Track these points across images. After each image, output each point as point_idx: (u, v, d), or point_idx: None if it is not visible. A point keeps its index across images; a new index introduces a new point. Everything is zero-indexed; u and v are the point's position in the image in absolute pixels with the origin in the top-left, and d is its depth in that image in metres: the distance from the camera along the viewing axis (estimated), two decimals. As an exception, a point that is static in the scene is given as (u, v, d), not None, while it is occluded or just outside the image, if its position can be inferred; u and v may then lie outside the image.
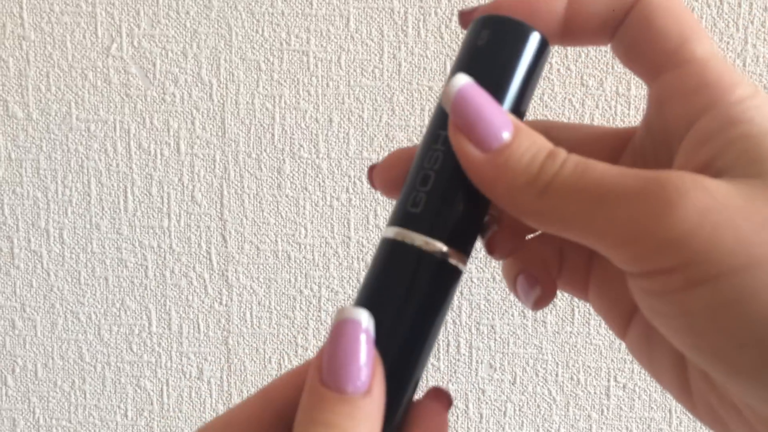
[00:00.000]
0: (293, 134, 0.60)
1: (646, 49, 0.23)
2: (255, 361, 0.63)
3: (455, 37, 0.59)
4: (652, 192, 0.19)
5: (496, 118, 0.22)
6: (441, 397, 0.24)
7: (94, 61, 0.60)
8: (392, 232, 0.24)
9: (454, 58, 0.59)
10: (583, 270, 0.26)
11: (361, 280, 0.62)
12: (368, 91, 0.60)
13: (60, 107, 0.60)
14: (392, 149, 0.61)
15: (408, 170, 0.25)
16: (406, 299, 0.24)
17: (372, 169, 0.27)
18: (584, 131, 0.26)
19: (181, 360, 0.64)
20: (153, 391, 0.64)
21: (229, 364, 0.64)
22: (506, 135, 0.22)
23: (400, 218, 0.24)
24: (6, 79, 0.60)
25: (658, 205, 0.19)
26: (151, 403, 0.64)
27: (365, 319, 0.22)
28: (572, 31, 0.24)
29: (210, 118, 0.60)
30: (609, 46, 0.25)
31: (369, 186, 0.61)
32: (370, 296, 0.24)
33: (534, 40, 0.24)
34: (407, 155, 0.25)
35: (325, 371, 0.21)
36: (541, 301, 0.26)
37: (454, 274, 0.24)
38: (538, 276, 0.26)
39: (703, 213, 0.19)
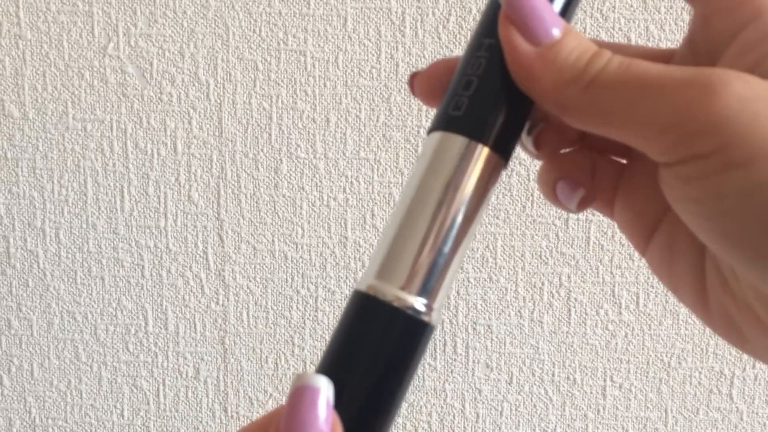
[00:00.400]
0: (290, 134, 0.60)
1: None
2: (252, 361, 0.63)
3: (452, 38, 0.59)
4: (696, 81, 0.20)
5: (549, 15, 0.23)
6: None
7: (91, 60, 0.60)
8: (366, 283, 0.23)
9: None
10: (611, 183, 0.27)
11: (356, 278, 0.62)
12: (365, 91, 0.60)
13: (56, 107, 0.60)
14: (389, 150, 0.61)
15: (450, 81, 0.25)
16: (374, 362, 0.23)
17: (414, 77, 0.28)
18: (625, 50, 0.27)
19: (178, 360, 0.64)
20: (149, 391, 0.64)
21: (225, 364, 0.64)
22: (556, 32, 0.23)
23: (441, 121, 0.24)
24: (2, 79, 0.60)
25: (701, 93, 0.20)
26: (148, 403, 0.64)
27: (324, 386, 0.21)
28: None
29: (207, 118, 0.60)
30: None
31: (366, 186, 0.61)
32: (336, 355, 0.23)
33: None
34: (450, 66, 0.26)
35: None
36: (585, 202, 0.27)
37: (427, 332, 0.23)
38: (578, 179, 0.27)
39: (744, 101, 0.20)
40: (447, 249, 0.23)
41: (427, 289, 0.23)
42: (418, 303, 0.23)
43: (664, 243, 0.26)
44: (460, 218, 0.24)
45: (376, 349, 0.23)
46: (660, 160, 0.22)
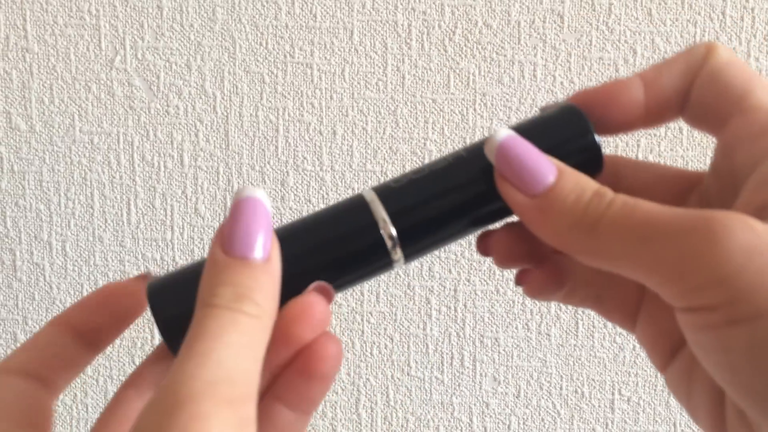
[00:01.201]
0: (297, 146, 0.60)
1: (713, 103, 0.24)
2: (258, 374, 0.63)
3: (458, 50, 0.59)
4: (699, 230, 0.20)
5: (539, 163, 0.23)
6: (323, 291, 0.26)
7: (98, 73, 0.60)
8: (370, 195, 0.26)
9: (457, 71, 0.59)
10: (633, 302, 0.27)
11: (363, 291, 0.61)
12: (372, 104, 0.60)
13: (63, 119, 0.60)
14: (396, 162, 0.61)
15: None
16: (332, 252, 0.26)
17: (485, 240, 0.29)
18: (654, 171, 0.27)
19: (184, 373, 0.63)
20: (155, 404, 0.64)
21: (231, 377, 0.63)
22: (551, 179, 0.23)
23: (379, 186, 0.26)
24: (9, 92, 0.60)
25: (705, 244, 0.20)
26: (153, 417, 0.64)
27: (263, 196, 0.24)
28: (654, 111, 0.25)
29: (214, 131, 0.60)
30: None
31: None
32: (310, 224, 0.26)
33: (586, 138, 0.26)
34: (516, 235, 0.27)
35: (228, 242, 0.23)
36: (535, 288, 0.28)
37: (385, 264, 0.26)
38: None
39: (748, 253, 0.19)
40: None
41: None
42: (397, 243, 0.26)
43: (685, 367, 0.25)
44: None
45: (339, 244, 0.26)
46: (670, 303, 0.22)
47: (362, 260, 0.26)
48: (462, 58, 0.59)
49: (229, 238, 0.23)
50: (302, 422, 0.25)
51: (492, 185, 0.25)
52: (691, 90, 0.25)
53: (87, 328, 0.27)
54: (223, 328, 0.21)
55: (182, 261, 0.62)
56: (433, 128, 0.60)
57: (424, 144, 0.60)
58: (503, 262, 0.28)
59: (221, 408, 0.19)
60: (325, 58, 0.59)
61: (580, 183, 0.23)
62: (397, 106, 0.60)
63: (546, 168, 0.23)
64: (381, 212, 0.26)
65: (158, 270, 0.62)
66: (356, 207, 0.26)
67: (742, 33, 0.58)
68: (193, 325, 0.22)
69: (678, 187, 0.26)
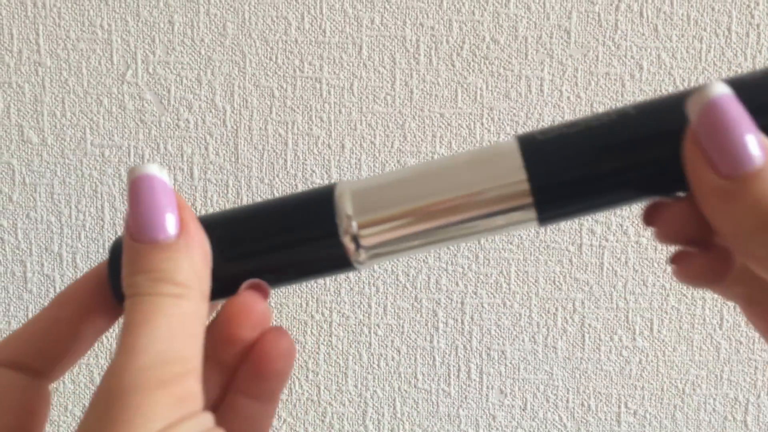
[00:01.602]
0: (306, 160, 0.61)
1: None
2: (265, 386, 0.63)
3: (466, 65, 0.60)
4: None
5: (750, 140, 0.19)
6: (259, 288, 0.25)
7: (110, 87, 0.60)
8: (344, 188, 0.23)
9: (465, 86, 0.60)
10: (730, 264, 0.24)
11: (371, 303, 0.62)
12: (380, 118, 0.60)
13: (75, 132, 0.61)
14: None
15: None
16: (285, 238, 0.24)
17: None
18: None
19: (192, 384, 0.64)
20: (163, 415, 0.64)
21: (239, 389, 0.64)
22: (758, 162, 0.19)
23: (524, 135, 0.23)
24: (22, 105, 0.61)
25: None
26: (161, 428, 0.64)
27: (156, 170, 0.22)
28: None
29: (223, 144, 0.61)
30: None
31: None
32: (273, 206, 0.24)
33: None
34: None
35: (133, 229, 0.22)
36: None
37: (344, 265, 0.24)
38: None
39: None
40: (418, 236, 0.23)
41: (376, 245, 0.23)
42: (361, 242, 0.23)
43: None
44: (454, 224, 0.23)
45: (294, 232, 0.23)
46: None
47: (314, 256, 0.24)
48: (469, 73, 0.59)
49: (133, 224, 0.22)
50: (269, 408, 0.25)
51: (671, 151, 0.20)
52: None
53: (96, 306, 0.25)
54: (147, 314, 0.21)
55: (191, 273, 0.62)
56: (440, 142, 0.60)
57: (432, 158, 0.61)
58: (667, 238, 0.23)
59: (153, 392, 0.19)
60: (334, 72, 0.60)
61: None
62: (405, 120, 0.60)
63: (756, 147, 0.19)
64: (346, 209, 0.23)
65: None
66: (318, 198, 0.24)
67: (748, 49, 0.59)
68: (123, 319, 0.21)
69: None
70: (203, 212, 0.61)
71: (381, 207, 0.23)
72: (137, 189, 0.22)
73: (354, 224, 0.23)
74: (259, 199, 0.61)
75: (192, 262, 0.22)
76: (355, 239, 0.23)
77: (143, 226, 0.22)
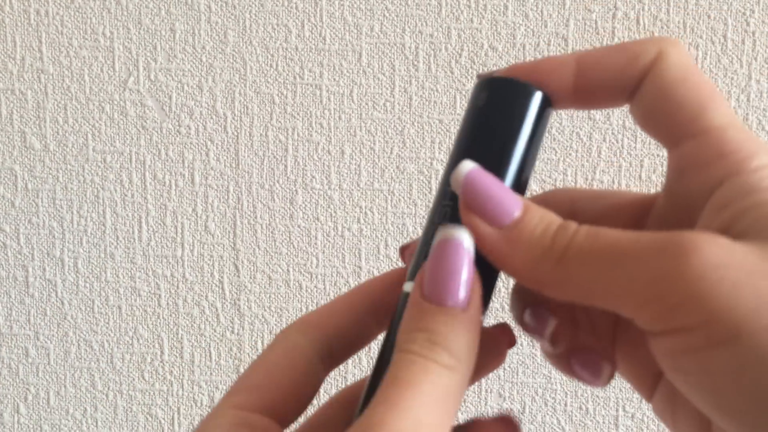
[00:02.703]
0: (306, 166, 0.61)
1: (664, 119, 0.23)
2: (266, 390, 0.64)
3: (465, 72, 0.60)
4: (668, 250, 0.20)
5: (505, 197, 0.23)
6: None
7: (111, 94, 0.61)
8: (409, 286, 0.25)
9: (463, 92, 0.60)
10: (608, 336, 0.27)
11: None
12: (380, 124, 0.61)
13: (77, 139, 0.61)
14: (403, 181, 0.62)
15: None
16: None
17: (404, 249, 0.28)
18: (608, 200, 0.27)
19: (193, 388, 0.64)
20: (164, 419, 0.65)
21: (240, 393, 0.64)
22: (517, 212, 0.23)
23: (412, 274, 0.25)
24: (24, 111, 0.61)
25: (675, 263, 0.19)
26: (163, 431, 0.65)
27: (466, 239, 0.23)
28: (583, 96, 0.24)
29: (224, 150, 0.61)
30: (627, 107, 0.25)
31: (380, 216, 0.62)
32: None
33: (533, 98, 0.24)
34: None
35: (426, 286, 0.22)
36: (612, 374, 0.26)
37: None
38: (596, 349, 0.26)
39: (720, 269, 0.19)
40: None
41: None
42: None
43: (667, 394, 0.25)
44: None
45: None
46: (646, 330, 0.21)
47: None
48: (468, 80, 0.60)
49: (428, 282, 0.22)
50: None
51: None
52: (637, 94, 0.24)
53: (340, 337, 0.26)
54: (415, 376, 0.21)
55: (192, 278, 0.63)
56: (439, 148, 0.61)
57: (431, 164, 0.61)
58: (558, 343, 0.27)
59: None
60: (334, 79, 0.61)
61: (545, 217, 0.22)
62: (404, 126, 0.61)
63: (513, 201, 0.23)
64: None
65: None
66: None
67: (743, 56, 0.59)
68: (389, 369, 0.22)
69: (634, 212, 0.26)
70: (204, 217, 0.62)
71: None
72: (444, 251, 0.23)
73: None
74: (259, 204, 0.61)
75: (470, 337, 0.22)
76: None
77: (439, 289, 0.22)
